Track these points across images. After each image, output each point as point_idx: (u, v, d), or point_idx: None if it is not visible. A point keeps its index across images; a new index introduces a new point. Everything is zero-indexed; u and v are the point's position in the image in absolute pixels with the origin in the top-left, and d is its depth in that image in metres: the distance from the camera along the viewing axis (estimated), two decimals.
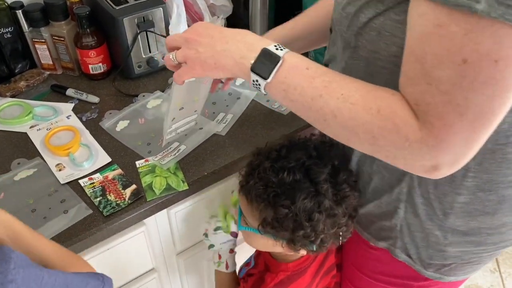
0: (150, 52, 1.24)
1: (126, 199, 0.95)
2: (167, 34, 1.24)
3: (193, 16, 1.34)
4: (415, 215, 0.81)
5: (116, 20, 1.15)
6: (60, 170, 1.01)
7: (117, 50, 1.24)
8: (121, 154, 1.06)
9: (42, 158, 1.04)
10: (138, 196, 0.96)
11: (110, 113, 1.17)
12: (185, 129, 1.03)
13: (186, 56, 0.73)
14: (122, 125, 1.13)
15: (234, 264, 1.08)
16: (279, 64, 0.66)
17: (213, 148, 1.08)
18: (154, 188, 0.98)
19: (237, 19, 1.38)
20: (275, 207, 0.80)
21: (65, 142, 1.07)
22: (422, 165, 0.61)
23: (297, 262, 0.97)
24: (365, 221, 0.91)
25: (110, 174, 1.00)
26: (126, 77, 1.28)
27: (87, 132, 1.11)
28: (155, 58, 1.26)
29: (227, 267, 1.05)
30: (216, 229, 1.02)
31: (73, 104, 1.20)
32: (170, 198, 0.98)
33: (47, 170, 1.01)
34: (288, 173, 0.81)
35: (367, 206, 0.87)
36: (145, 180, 0.99)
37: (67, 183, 0.98)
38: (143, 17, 1.18)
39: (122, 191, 0.97)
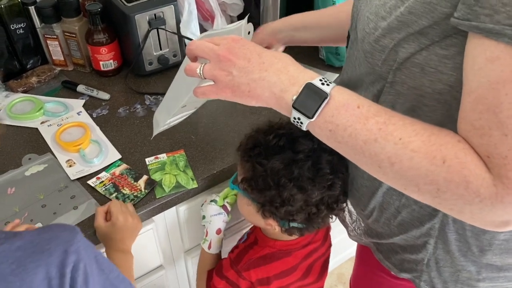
0: (161, 49, 1.24)
1: (142, 189, 0.97)
2: (178, 31, 1.24)
3: (204, 14, 1.34)
4: (446, 251, 0.76)
5: (127, 17, 1.15)
6: (70, 166, 1.01)
7: (128, 47, 1.24)
8: (131, 151, 1.06)
9: (53, 154, 1.04)
10: (153, 186, 0.97)
11: None
12: (178, 122, 0.97)
13: (217, 76, 0.65)
14: None
15: (219, 247, 1.07)
16: (325, 102, 0.59)
17: (222, 147, 1.08)
18: (163, 186, 0.98)
19: (248, 17, 1.37)
20: (254, 164, 0.84)
21: (76, 138, 1.07)
22: (492, 220, 0.55)
23: (285, 242, 0.98)
24: (387, 250, 0.86)
25: (117, 170, 1.01)
26: (136, 74, 1.28)
27: (97, 128, 1.12)
28: (166, 56, 1.26)
29: (209, 246, 1.04)
30: (212, 201, 1.03)
31: (83, 101, 1.21)
32: (179, 196, 0.99)
33: (58, 165, 1.01)
34: (275, 137, 0.83)
35: (392, 238, 0.82)
36: (155, 177, 1.00)
37: (77, 179, 0.98)
38: (155, 15, 1.18)
39: (135, 183, 0.98)
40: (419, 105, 0.63)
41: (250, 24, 0.76)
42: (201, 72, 0.67)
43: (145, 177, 0.99)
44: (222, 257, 1.09)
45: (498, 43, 0.49)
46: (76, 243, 0.59)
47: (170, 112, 0.87)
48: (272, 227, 0.91)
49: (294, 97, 0.61)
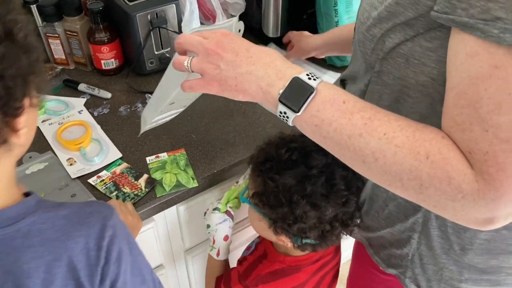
0: (162, 48, 1.24)
1: (143, 188, 0.97)
2: (180, 31, 1.24)
3: (206, 13, 1.34)
4: (429, 247, 0.76)
5: (129, 16, 1.15)
6: (71, 164, 1.01)
7: (130, 46, 1.24)
8: (132, 150, 1.06)
9: (54, 152, 1.04)
10: (154, 184, 0.98)
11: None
12: (166, 121, 0.96)
13: (204, 69, 0.65)
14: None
15: (227, 253, 1.06)
16: (312, 96, 0.59)
17: (223, 146, 1.08)
18: (164, 185, 0.98)
19: (250, 16, 1.38)
20: (265, 179, 0.83)
21: (77, 136, 1.07)
22: (475, 218, 0.55)
23: (296, 258, 0.97)
24: (377, 245, 0.87)
25: (118, 169, 1.01)
26: (138, 73, 1.28)
27: (98, 127, 1.12)
28: (167, 55, 1.26)
29: (218, 253, 1.03)
30: (215, 209, 1.02)
31: (85, 99, 1.21)
32: (180, 195, 0.99)
33: (58, 164, 1.01)
34: (287, 151, 0.82)
35: (380, 231, 0.83)
36: (155, 176, 1.00)
37: (78, 177, 0.98)
38: (156, 14, 1.18)
39: (136, 182, 0.98)
40: (403, 96, 0.64)
41: (241, 22, 0.76)
42: (189, 65, 0.66)
43: (145, 176, 0.99)
44: (230, 262, 1.08)
45: (477, 38, 0.49)
46: (113, 219, 0.63)
47: (157, 109, 0.85)
48: (284, 243, 0.89)
49: (281, 91, 0.61)
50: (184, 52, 0.70)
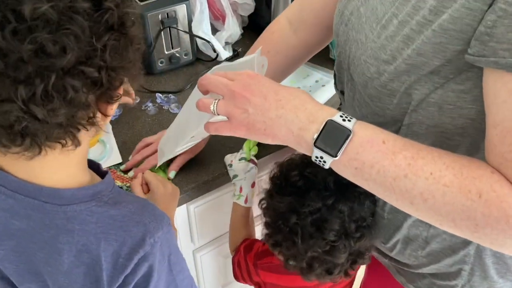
0: (172, 48, 1.25)
1: None
2: (190, 31, 1.24)
3: (215, 13, 1.34)
4: (483, 276, 0.74)
5: (140, 15, 1.16)
6: None
7: None
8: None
9: None
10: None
11: None
12: (184, 150, 0.97)
13: (231, 113, 0.62)
14: None
15: (252, 200, 1.04)
16: (349, 139, 0.57)
17: (232, 145, 1.08)
18: None
19: (259, 17, 1.38)
20: (268, 192, 0.86)
21: None
22: None
23: None
24: (412, 275, 0.83)
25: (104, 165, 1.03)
26: (148, 73, 1.29)
27: (110, 127, 1.11)
28: (177, 55, 1.26)
29: (246, 201, 1.01)
30: (241, 159, 1.02)
31: None
32: (190, 194, 0.99)
33: None
34: (296, 175, 0.81)
35: (422, 269, 0.79)
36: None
37: None
38: (167, 14, 1.19)
39: (125, 175, 1.01)
40: (442, 140, 0.61)
41: (264, 58, 0.74)
42: (215, 109, 0.64)
43: (134, 168, 1.02)
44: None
45: None
46: (155, 237, 0.62)
47: (178, 144, 0.85)
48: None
49: (315, 136, 0.58)
50: (206, 92, 0.68)
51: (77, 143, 0.56)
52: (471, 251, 0.72)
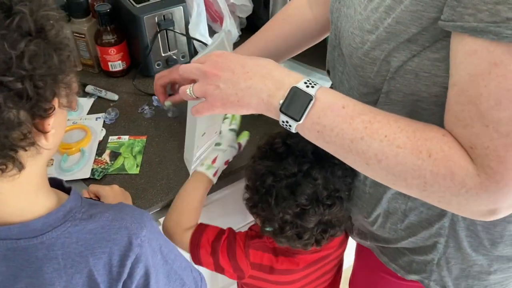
0: (169, 50, 1.24)
1: (108, 162, 1.04)
2: (187, 33, 1.23)
3: (213, 15, 1.33)
4: (457, 248, 0.77)
5: (136, 18, 1.15)
6: (46, 165, 1.01)
7: (137, 48, 1.24)
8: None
9: None
10: (117, 156, 1.05)
11: None
12: (207, 153, 0.96)
13: (206, 92, 0.67)
14: None
15: (216, 179, 0.99)
16: (311, 104, 0.61)
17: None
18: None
19: (257, 18, 1.37)
20: (253, 157, 0.90)
21: (72, 141, 1.08)
22: (479, 210, 0.57)
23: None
24: (393, 252, 0.86)
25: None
26: (145, 75, 1.28)
27: (100, 136, 1.11)
28: (174, 57, 1.25)
29: (215, 174, 0.96)
30: (232, 130, 1.00)
31: (92, 100, 1.21)
32: None
33: None
34: (280, 143, 0.85)
35: (401, 242, 0.82)
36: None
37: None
38: (163, 16, 1.18)
39: (100, 158, 1.05)
40: (417, 110, 0.64)
41: (229, 31, 0.83)
42: (191, 91, 0.69)
43: (107, 151, 1.06)
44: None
45: (476, 38, 0.50)
46: (142, 236, 0.62)
47: (194, 145, 0.86)
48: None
49: (281, 101, 0.62)
50: (188, 81, 0.72)
51: (20, 166, 0.53)
52: (445, 224, 0.75)
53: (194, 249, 0.92)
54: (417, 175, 0.57)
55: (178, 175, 1.01)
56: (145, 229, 0.62)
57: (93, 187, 0.91)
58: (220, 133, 0.99)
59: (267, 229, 0.88)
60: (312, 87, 0.62)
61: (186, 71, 0.71)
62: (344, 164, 0.76)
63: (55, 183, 0.66)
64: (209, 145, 0.95)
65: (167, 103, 1.04)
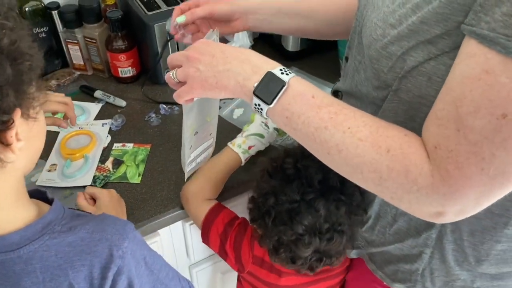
0: None
1: (111, 169, 1.04)
2: None
3: None
4: (442, 260, 0.77)
5: (147, 26, 1.15)
6: (49, 170, 1.02)
7: (147, 55, 1.24)
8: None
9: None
10: (120, 164, 1.04)
11: (224, 102, 1.24)
12: (204, 157, 0.96)
13: (187, 74, 0.69)
14: (237, 113, 1.21)
15: None
16: (283, 90, 0.63)
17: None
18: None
19: None
20: (262, 170, 0.87)
21: (77, 147, 1.08)
22: (427, 210, 0.58)
23: None
24: (380, 260, 0.86)
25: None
26: (154, 83, 1.27)
27: (105, 142, 1.10)
28: None
29: (246, 159, 0.99)
30: (276, 129, 1.02)
31: (100, 105, 1.21)
32: (185, 211, 0.97)
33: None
34: (291, 164, 0.82)
35: (387, 247, 0.82)
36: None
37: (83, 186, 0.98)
38: None
39: (103, 165, 1.05)
40: (420, 114, 0.63)
41: (216, 31, 0.84)
42: (175, 76, 0.71)
43: (111, 158, 1.06)
44: None
45: (479, 43, 0.50)
46: (123, 248, 0.61)
47: (187, 146, 0.85)
48: None
49: (255, 85, 0.64)
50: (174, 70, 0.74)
51: None
52: (433, 235, 0.75)
53: (207, 224, 0.94)
54: (373, 169, 0.58)
55: (178, 187, 0.99)
56: (127, 240, 0.61)
57: (90, 189, 0.92)
58: (268, 127, 1.02)
59: (263, 246, 0.87)
60: (287, 74, 0.64)
61: (172, 58, 0.74)
62: (352, 201, 0.77)
63: (39, 195, 0.66)
64: (204, 148, 0.93)
65: (180, 18, 0.90)
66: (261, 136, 1.00)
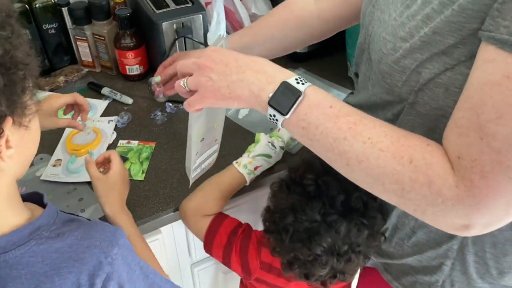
0: None
1: None
2: (205, 41, 1.23)
3: (234, 25, 1.32)
4: (463, 272, 0.75)
5: (155, 24, 1.15)
6: (54, 165, 1.02)
7: (154, 54, 1.24)
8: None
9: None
10: (124, 161, 1.03)
11: None
12: (208, 163, 0.94)
13: (198, 83, 0.67)
14: (243, 113, 1.21)
15: None
16: (299, 100, 0.61)
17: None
18: None
19: None
20: (279, 182, 0.85)
21: (82, 143, 1.08)
22: (453, 223, 0.55)
23: None
24: (397, 271, 0.85)
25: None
26: None
27: (110, 139, 1.11)
28: None
29: (251, 180, 0.97)
30: (282, 148, 1.01)
31: (107, 102, 1.21)
32: None
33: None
34: (311, 180, 0.79)
35: (405, 259, 0.80)
36: None
37: (87, 182, 0.98)
38: (182, 23, 1.17)
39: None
40: (440, 125, 0.61)
41: (226, 37, 0.83)
42: (185, 84, 0.68)
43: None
44: None
45: (498, 48, 0.49)
46: (112, 255, 0.60)
47: (193, 152, 0.84)
48: None
49: (270, 95, 0.62)
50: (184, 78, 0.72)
51: None
52: (454, 246, 0.73)
53: (210, 235, 0.92)
54: (395, 180, 0.56)
55: (181, 185, 1.00)
56: (116, 247, 0.60)
57: (110, 154, 0.88)
58: (275, 147, 1.00)
59: (275, 256, 0.85)
60: (303, 84, 0.62)
61: (182, 66, 0.71)
62: (373, 225, 0.75)
63: (37, 198, 0.65)
64: (209, 154, 0.92)
65: (157, 78, 0.96)
66: (268, 156, 0.98)
